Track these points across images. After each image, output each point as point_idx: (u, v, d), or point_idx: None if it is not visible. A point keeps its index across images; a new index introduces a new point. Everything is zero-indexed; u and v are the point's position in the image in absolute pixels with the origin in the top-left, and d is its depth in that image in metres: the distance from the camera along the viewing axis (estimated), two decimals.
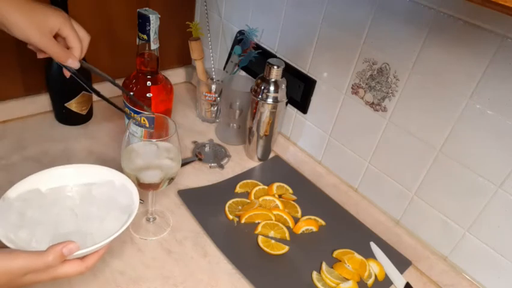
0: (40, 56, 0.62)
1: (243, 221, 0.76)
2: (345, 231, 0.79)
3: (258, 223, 0.76)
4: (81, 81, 0.63)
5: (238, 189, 0.84)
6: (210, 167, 0.89)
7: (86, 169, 0.62)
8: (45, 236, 0.52)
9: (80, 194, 0.60)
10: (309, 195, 0.86)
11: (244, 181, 0.86)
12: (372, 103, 0.75)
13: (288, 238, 0.75)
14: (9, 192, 0.55)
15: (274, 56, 0.91)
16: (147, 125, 0.73)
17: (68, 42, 0.60)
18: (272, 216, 0.77)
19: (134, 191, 0.59)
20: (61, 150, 0.86)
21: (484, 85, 0.59)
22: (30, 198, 0.56)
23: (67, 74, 0.64)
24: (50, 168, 0.60)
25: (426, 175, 0.71)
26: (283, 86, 0.83)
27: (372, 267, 0.72)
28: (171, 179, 0.66)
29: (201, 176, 0.87)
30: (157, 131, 0.71)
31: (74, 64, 0.62)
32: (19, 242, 0.50)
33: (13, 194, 0.55)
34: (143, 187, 0.65)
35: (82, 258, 0.50)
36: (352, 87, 0.78)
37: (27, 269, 0.45)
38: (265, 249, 0.72)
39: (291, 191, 0.86)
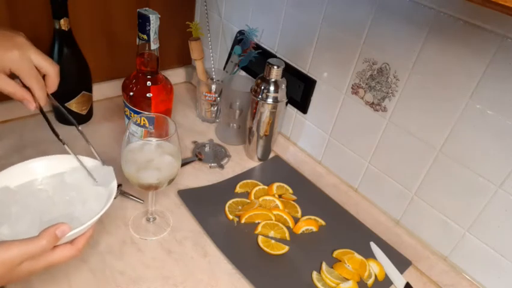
0: None
1: (243, 221, 0.76)
2: (345, 231, 0.79)
3: (258, 223, 0.76)
4: (46, 120, 0.59)
5: (238, 189, 0.84)
6: (210, 167, 0.89)
7: (52, 160, 0.61)
8: (31, 227, 0.52)
9: (52, 185, 0.59)
10: (309, 195, 0.86)
11: (244, 181, 0.86)
12: (372, 103, 0.75)
13: (288, 238, 0.75)
14: None
15: (274, 56, 0.91)
16: (147, 125, 0.73)
17: (24, 83, 0.55)
18: (272, 216, 0.77)
19: (108, 170, 0.59)
20: (61, 150, 0.85)
21: (484, 85, 0.59)
22: (2, 196, 0.55)
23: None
24: (13, 166, 0.58)
25: (426, 175, 0.71)
26: (283, 86, 0.83)
27: (372, 267, 0.72)
28: (171, 179, 0.66)
29: (201, 176, 0.87)
30: (157, 131, 0.71)
31: (29, 106, 0.56)
32: (4, 238, 0.49)
33: None
34: (143, 187, 0.65)
35: (71, 242, 0.50)
36: (352, 87, 0.78)
37: (22, 256, 0.44)
38: (265, 249, 0.72)
39: (291, 191, 0.86)
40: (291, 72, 0.88)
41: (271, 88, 0.83)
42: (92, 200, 0.57)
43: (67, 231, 0.47)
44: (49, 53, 0.85)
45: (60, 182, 0.59)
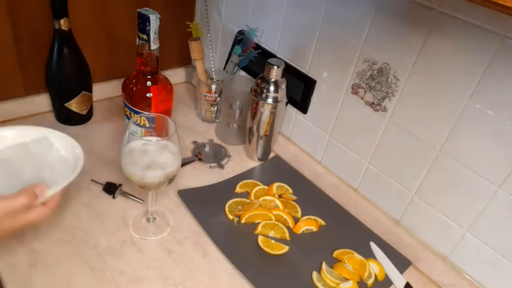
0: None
1: (243, 221, 0.76)
2: (345, 231, 0.79)
3: (258, 223, 0.76)
4: None
5: (238, 189, 0.84)
6: (210, 167, 0.89)
7: (14, 131, 0.60)
8: (4, 190, 0.51)
9: (17, 154, 0.58)
10: (309, 195, 0.86)
11: (244, 181, 0.86)
12: (372, 103, 0.75)
13: (288, 238, 0.75)
14: None
15: (274, 56, 0.91)
16: (147, 125, 0.73)
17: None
18: (272, 216, 0.77)
19: (71, 141, 0.60)
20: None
21: (484, 85, 0.59)
22: None
23: None
24: None
25: (426, 175, 0.71)
26: (283, 86, 0.83)
27: (372, 267, 0.72)
28: (171, 179, 0.66)
29: (201, 176, 0.87)
30: (157, 131, 0.71)
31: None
32: None
33: None
34: (143, 187, 0.65)
35: (43, 203, 0.52)
36: (352, 87, 0.78)
37: (5, 210, 0.47)
38: (265, 249, 0.72)
39: (291, 191, 0.86)
40: (291, 72, 0.88)
41: (271, 88, 0.83)
42: (60, 166, 0.58)
43: (45, 192, 0.50)
44: (49, 53, 0.85)
45: (25, 151, 0.59)
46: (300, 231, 0.77)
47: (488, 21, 0.56)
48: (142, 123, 0.74)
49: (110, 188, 0.77)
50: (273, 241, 0.74)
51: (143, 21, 0.70)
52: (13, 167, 0.57)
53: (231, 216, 0.77)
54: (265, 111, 0.85)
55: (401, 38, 0.67)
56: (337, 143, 0.85)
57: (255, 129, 0.89)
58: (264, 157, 0.94)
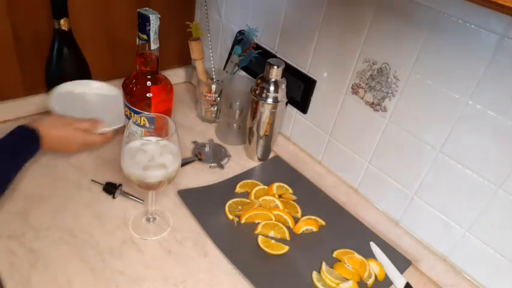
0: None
1: (243, 221, 0.76)
2: (345, 231, 0.79)
3: (258, 223, 0.76)
4: None
5: (238, 189, 0.84)
6: (210, 167, 0.89)
7: (98, 84, 0.91)
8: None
9: (95, 100, 0.89)
10: (309, 195, 0.86)
11: (244, 181, 0.86)
12: (372, 103, 0.75)
13: (288, 238, 0.75)
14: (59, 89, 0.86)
15: (274, 56, 0.91)
16: (147, 125, 0.73)
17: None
18: (272, 216, 0.77)
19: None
20: None
21: (484, 85, 0.59)
22: (68, 95, 0.87)
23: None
24: (75, 81, 0.89)
25: (426, 175, 0.71)
26: (283, 86, 0.83)
27: (372, 267, 0.72)
28: (171, 179, 0.66)
29: (201, 176, 0.87)
30: (157, 131, 0.71)
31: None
32: None
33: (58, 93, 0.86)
34: (143, 187, 0.65)
35: (102, 135, 0.77)
36: (352, 87, 0.78)
37: (74, 124, 0.73)
38: (265, 249, 0.72)
39: (291, 191, 0.86)
40: (291, 72, 0.88)
41: (271, 88, 0.83)
42: (117, 115, 0.83)
43: (101, 125, 0.77)
44: (49, 53, 0.85)
45: (100, 99, 0.90)
46: (300, 231, 0.77)
47: (488, 21, 0.56)
48: (142, 123, 0.74)
49: (110, 188, 0.77)
50: (273, 241, 0.74)
51: (143, 21, 0.70)
52: (89, 107, 0.87)
53: (231, 216, 0.77)
54: (265, 111, 0.85)
55: (401, 38, 0.67)
56: (337, 143, 0.85)
57: (255, 129, 0.89)
58: (264, 157, 0.94)
